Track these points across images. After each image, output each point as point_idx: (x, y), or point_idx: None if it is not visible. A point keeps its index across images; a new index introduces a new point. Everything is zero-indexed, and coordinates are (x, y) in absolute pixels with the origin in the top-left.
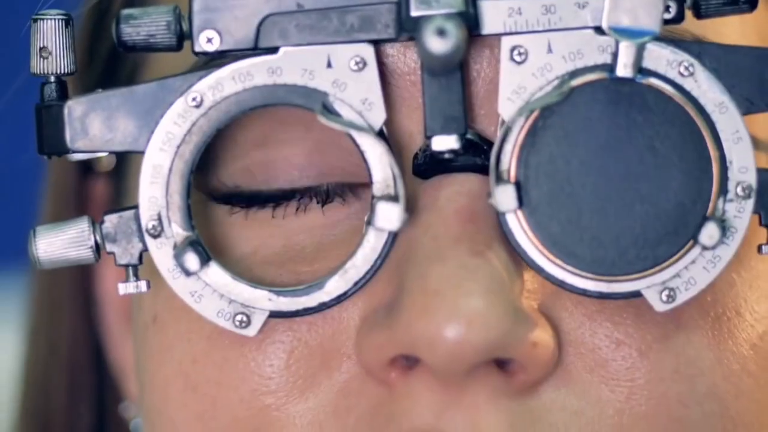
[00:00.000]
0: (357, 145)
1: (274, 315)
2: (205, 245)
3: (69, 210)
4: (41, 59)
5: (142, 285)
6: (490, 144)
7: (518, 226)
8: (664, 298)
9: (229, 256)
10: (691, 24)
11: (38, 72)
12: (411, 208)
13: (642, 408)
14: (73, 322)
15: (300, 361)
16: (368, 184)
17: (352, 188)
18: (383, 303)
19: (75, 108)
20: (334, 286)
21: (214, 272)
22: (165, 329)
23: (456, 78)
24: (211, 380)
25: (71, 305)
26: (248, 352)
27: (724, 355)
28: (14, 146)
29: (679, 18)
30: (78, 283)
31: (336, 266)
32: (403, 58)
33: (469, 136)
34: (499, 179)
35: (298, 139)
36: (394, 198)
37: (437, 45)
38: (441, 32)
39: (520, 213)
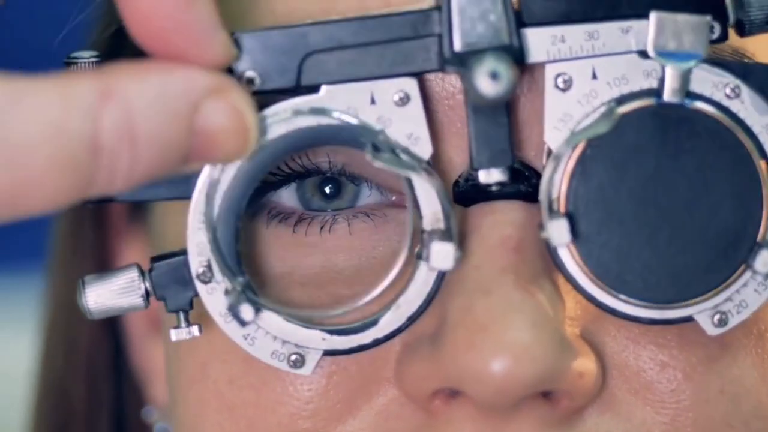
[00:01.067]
0: (408, 180)
1: (329, 353)
2: (255, 288)
3: (85, 215)
4: None
5: (194, 330)
6: (533, 171)
7: (569, 257)
8: (716, 322)
9: (264, 275)
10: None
11: None
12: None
13: (688, 430)
14: (92, 325)
15: (339, 386)
16: (401, 206)
17: (381, 208)
18: (426, 332)
19: None
20: (387, 323)
21: (267, 315)
22: (198, 349)
23: (502, 110)
24: (248, 402)
25: None
26: (286, 375)
27: None
28: None
29: (723, 38)
30: None
31: (383, 297)
32: (441, 83)
33: (515, 165)
34: (551, 211)
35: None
36: (445, 234)
37: (490, 88)
38: (494, 75)
39: (570, 244)
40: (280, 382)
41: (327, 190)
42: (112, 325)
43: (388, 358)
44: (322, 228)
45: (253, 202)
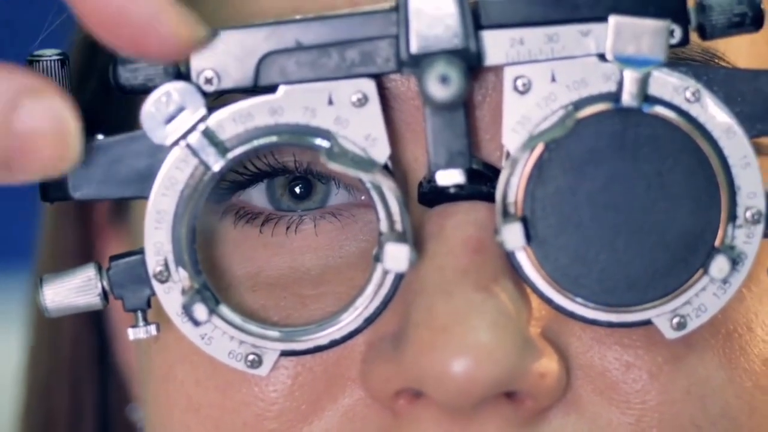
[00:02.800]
0: (362, 182)
1: (286, 354)
2: (212, 287)
3: (69, 217)
4: None
5: (152, 329)
6: (496, 172)
7: (526, 260)
8: (675, 325)
9: (232, 276)
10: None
11: None
12: (417, 237)
13: (654, 430)
14: (76, 324)
15: (304, 387)
16: (369, 206)
17: (349, 208)
18: (389, 331)
19: None
20: (345, 324)
21: (224, 315)
22: (167, 349)
23: (459, 112)
24: (214, 403)
25: None
26: (252, 377)
27: (736, 373)
28: None
29: (684, 42)
30: None
31: (342, 297)
32: (406, 82)
33: (474, 165)
34: (506, 215)
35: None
36: (401, 236)
37: (439, 92)
38: (443, 79)
39: (527, 247)
40: (246, 383)
41: (297, 190)
42: (97, 323)
43: (354, 358)
44: (288, 228)
45: (223, 202)
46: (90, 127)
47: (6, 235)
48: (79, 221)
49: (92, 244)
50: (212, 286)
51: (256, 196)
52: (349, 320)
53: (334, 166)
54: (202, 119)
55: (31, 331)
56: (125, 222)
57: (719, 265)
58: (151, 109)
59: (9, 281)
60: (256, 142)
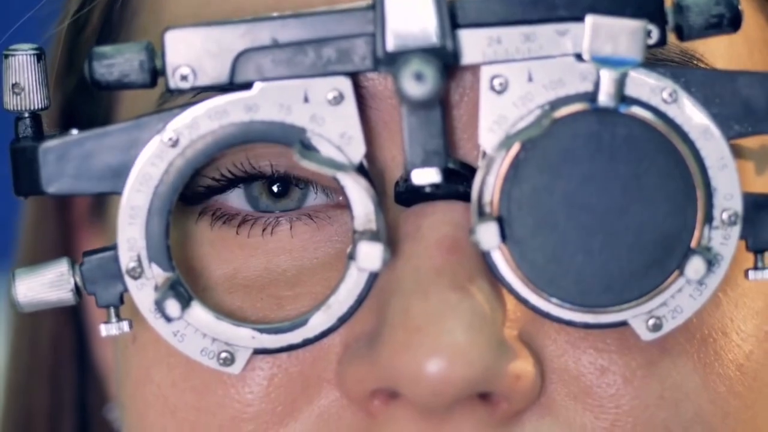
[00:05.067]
0: (336, 180)
1: (258, 352)
2: (185, 282)
3: (48, 215)
4: (14, 95)
5: (125, 325)
6: (472, 172)
7: (502, 260)
8: (651, 326)
9: (208, 277)
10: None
11: (12, 108)
12: (393, 236)
13: None
14: (55, 321)
15: (280, 388)
16: (343, 207)
17: (326, 209)
18: (365, 331)
19: (49, 151)
20: (318, 322)
21: (197, 312)
22: (145, 351)
23: (436, 111)
24: (190, 405)
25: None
26: (228, 378)
27: (710, 378)
28: None
29: (661, 42)
30: None
31: (318, 297)
32: (384, 81)
33: (450, 165)
34: (482, 214)
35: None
36: (375, 235)
37: (414, 89)
38: (418, 76)
39: (503, 247)
40: (222, 385)
41: (275, 189)
42: (76, 322)
43: (330, 359)
44: (264, 230)
45: (199, 203)
46: (69, 123)
47: None
48: (59, 219)
49: (72, 242)
50: (188, 287)
51: (234, 196)
52: (323, 319)
53: (306, 164)
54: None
55: (11, 330)
56: (103, 219)
57: (695, 266)
58: None
59: None
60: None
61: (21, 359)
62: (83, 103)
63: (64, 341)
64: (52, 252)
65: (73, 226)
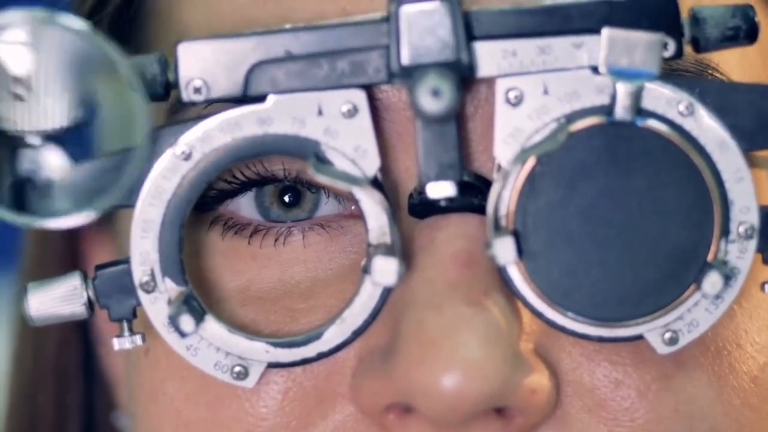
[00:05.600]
0: (351, 193)
1: (273, 365)
2: (199, 297)
3: None
4: None
5: (138, 339)
6: (487, 184)
7: (518, 275)
8: (667, 340)
9: (222, 289)
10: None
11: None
12: (407, 248)
13: None
14: (62, 329)
15: (294, 402)
16: (356, 216)
17: (338, 219)
18: (379, 345)
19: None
20: (332, 336)
21: (211, 326)
22: (158, 364)
23: (451, 124)
24: (204, 419)
25: None
26: (242, 392)
27: (725, 391)
28: None
29: (677, 55)
30: None
31: (332, 310)
32: (397, 93)
33: (465, 178)
34: (498, 228)
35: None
36: (389, 248)
37: (431, 105)
38: (435, 92)
39: (519, 260)
40: (236, 399)
41: (286, 198)
42: (83, 328)
43: (344, 373)
44: (276, 240)
45: (211, 211)
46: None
47: None
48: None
49: (78, 248)
50: (201, 300)
51: (245, 205)
52: (337, 333)
53: (321, 177)
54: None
55: (16, 335)
56: (111, 227)
57: (712, 280)
58: None
59: None
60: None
61: (26, 364)
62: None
63: (70, 347)
64: (58, 258)
65: (79, 233)
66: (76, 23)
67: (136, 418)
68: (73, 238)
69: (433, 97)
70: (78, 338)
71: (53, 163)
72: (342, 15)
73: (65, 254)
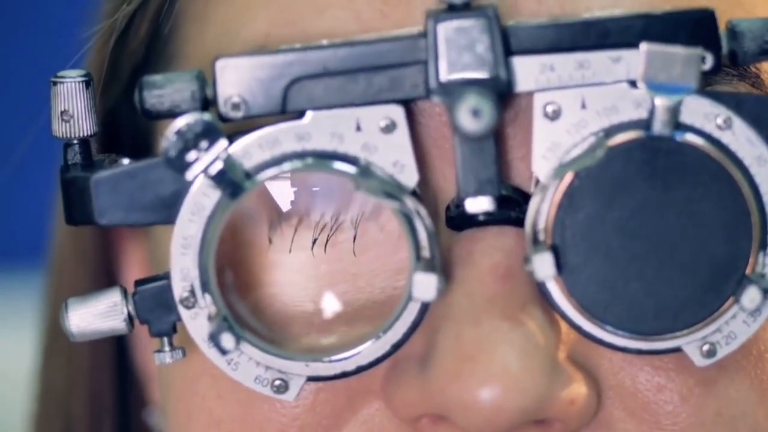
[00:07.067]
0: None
1: (312, 379)
2: (233, 321)
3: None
4: (63, 122)
5: (178, 354)
6: (525, 197)
7: (556, 288)
8: (705, 353)
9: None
10: None
11: (60, 135)
12: (445, 261)
13: None
14: None
15: (326, 402)
16: None
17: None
18: (415, 352)
19: (101, 183)
20: (372, 351)
21: (252, 342)
22: (190, 362)
23: (490, 140)
24: (236, 418)
25: None
26: None
27: (767, 395)
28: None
29: (716, 69)
30: (99, 284)
31: (370, 324)
32: (435, 107)
33: (503, 192)
34: (536, 243)
35: None
36: (429, 264)
37: (471, 125)
38: (476, 113)
39: (557, 276)
40: (268, 399)
41: None
42: None
43: (376, 374)
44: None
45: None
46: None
47: (19, 232)
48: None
49: (110, 249)
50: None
51: None
52: (376, 346)
53: (363, 192)
54: (223, 150)
55: (46, 335)
56: (145, 229)
57: (751, 295)
58: (171, 139)
59: (21, 280)
60: (279, 168)
61: (58, 365)
62: (126, 112)
63: (103, 345)
64: (89, 260)
65: (111, 234)
66: None
67: (168, 417)
68: (104, 238)
69: (474, 117)
70: (111, 337)
71: None
72: (379, 30)
73: (96, 254)
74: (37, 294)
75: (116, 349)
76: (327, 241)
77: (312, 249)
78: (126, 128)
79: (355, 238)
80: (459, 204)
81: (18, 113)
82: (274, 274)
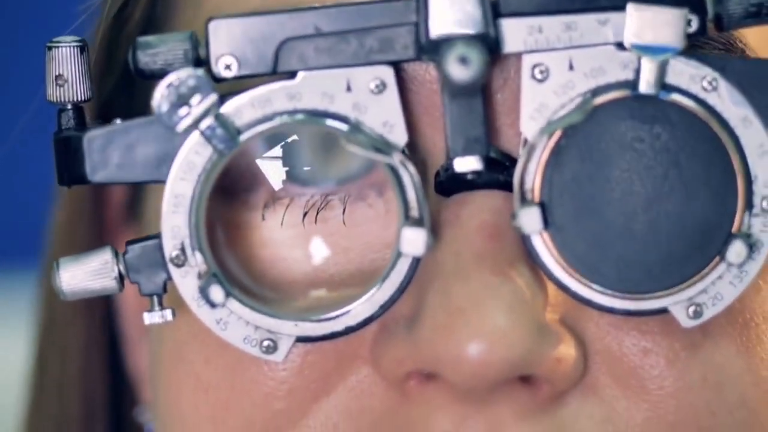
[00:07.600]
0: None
1: (301, 340)
2: (223, 278)
3: (83, 214)
4: (57, 87)
5: (168, 314)
6: (513, 161)
7: (543, 246)
8: (691, 314)
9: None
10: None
11: (55, 100)
12: (434, 225)
13: (670, 417)
14: (86, 325)
15: (314, 365)
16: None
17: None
18: (402, 313)
19: (94, 140)
20: (360, 311)
21: (240, 299)
22: (179, 329)
23: (477, 98)
24: (224, 382)
25: (83, 307)
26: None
27: (753, 362)
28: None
29: (701, 31)
30: None
31: (359, 289)
32: (425, 67)
33: (491, 154)
34: (524, 200)
35: None
36: (418, 221)
37: (459, 73)
38: (463, 60)
39: (545, 233)
40: (255, 362)
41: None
42: (107, 328)
43: (365, 336)
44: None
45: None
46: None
47: (12, 232)
48: (92, 220)
49: (104, 239)
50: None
51: None
52: (365, 307)
53: (353, 148)
54: (214, 105)
55: (40, 334)
56: (139, 217)
57: (736, 249)
58: (163, 93)
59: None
60: (270, 123)
61: (52, 365)
62: (122, 100)
63: (95, 346)
64: (86, 244)
65: (107, 224)
66: None
67: (158, 387)
68: (99, 232)
69: (461, 64)
70: (103, 338)
71: None
72: None
73: (91, 248)
74: (31, 294)
75: (109, 349)
76: (317, 214)
77: (303, 221)
78: (120, 116)
79: (344, 212)
80: (448, 167)
81: (18, 113)
82: (265, 238)
